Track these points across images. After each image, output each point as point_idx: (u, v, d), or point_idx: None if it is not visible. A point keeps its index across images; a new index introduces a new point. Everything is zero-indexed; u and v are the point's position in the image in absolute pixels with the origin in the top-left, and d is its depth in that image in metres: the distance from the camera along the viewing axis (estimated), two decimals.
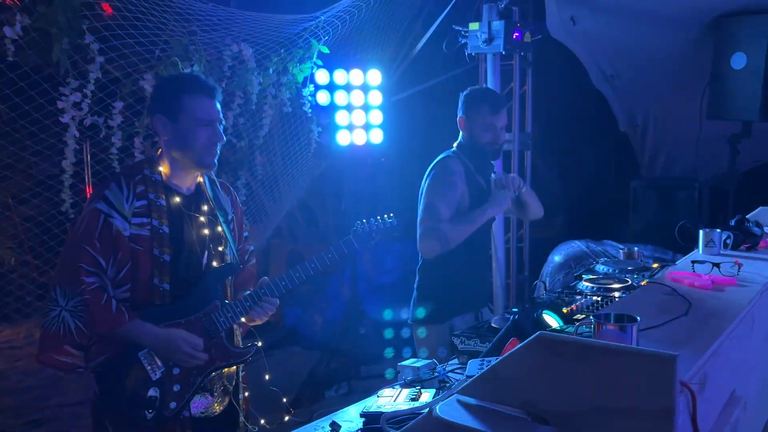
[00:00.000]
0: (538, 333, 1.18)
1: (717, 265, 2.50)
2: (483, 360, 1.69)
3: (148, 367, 2.08)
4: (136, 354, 2.07)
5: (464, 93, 2.98)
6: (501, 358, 1.26)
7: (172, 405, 2.09)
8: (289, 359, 5.58)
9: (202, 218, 2.20)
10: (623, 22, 4.57)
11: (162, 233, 2.08)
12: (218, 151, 2.14)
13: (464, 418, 1.22)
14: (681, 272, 2.51)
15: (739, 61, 4.30)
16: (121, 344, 2.06)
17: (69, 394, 4.73)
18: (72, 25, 2.67)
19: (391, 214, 2.43)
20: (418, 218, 2.85)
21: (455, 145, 3.03)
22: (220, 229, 2.24)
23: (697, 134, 4.69)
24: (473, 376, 1.36)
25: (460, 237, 2.76)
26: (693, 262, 2.58)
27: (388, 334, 5.40)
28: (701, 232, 2.98)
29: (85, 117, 2.98)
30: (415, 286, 3.03)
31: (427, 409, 1.33)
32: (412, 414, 1.46)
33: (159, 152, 2.16)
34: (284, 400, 3.98)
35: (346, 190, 5.07)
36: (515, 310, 2.07)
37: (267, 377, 2.57)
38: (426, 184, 2.88)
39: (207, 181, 2.26)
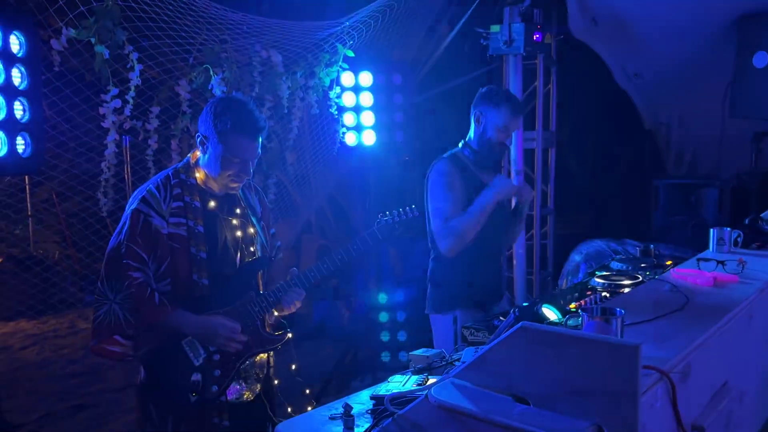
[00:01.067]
0: (521, 323, 1.32)
1: (722, 262, 2.58)
2: (477, 348, 1.84)
3: (191, 354, 2.26)
4: (179, 342, 2.25)
5: (485, 90, 3.01)
6: (489, 345, 1.40)
7: (214, 388, 2.28)
8: (317, 351, 5.78)
9: (234, 220, 2.38)
10: (645, 22, 4.61)
11: (198, 233, 2.27)
12: (241, 183, 2.31)
13: (455, 399, 1.36)
14: (686, 269, 2.60)
15: (761, 59, 4.32)
16: (165, 333, 2.25)
17: (110, 381, 5.01)
18: (112, 36, 2.87)
19: (413, 206, 2.56)
20: (431, 226, 2.94)
21: (461, 143, 3.09)
22: (251, 230, 2.43)
23: (720, 133, 4.72)
24: (467, 361, 1.50)
25: (473, 226, 2.83)
26: (699, 260, 2.67)
27: (411, 326, 5.54)
28: (712, 230, 3.06)
29: (125, 121, 3.19)
30: (428, 277, 3.16)
31: (425, 392, 1.49)
32: (413, 396, 1.61)
33: (195, 157, 2.34)
34: (307, 391, 4.19)
35: (372, 188, 5.23)
36: (525, 304, 2.19)
37: (293, 367, 2.74)
38: (427, 194, 2.98)
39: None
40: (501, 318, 2.45)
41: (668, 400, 1.54)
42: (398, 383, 1.93)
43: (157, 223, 2.22)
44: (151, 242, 2.21)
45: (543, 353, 1.30)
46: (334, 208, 7.99)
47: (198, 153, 2.34)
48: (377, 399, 1.82)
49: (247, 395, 2.42)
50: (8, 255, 7.43)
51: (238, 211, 2.40)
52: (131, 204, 2.25)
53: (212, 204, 2.33)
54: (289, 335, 2.48)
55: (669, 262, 3.39)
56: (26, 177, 7.46)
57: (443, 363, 2.09)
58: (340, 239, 7.94)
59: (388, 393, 1.80)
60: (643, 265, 3.38)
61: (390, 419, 1.55)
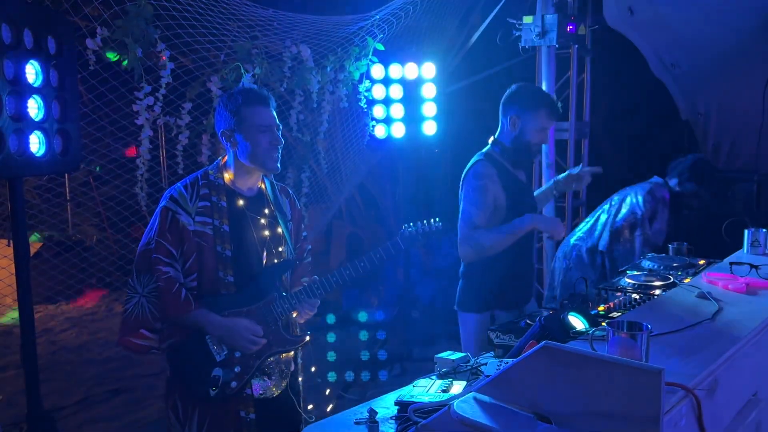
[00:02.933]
0: (543, 343, 1.32)
1: (756, 267, 2.52)
2: (501, 361, 1.84)
3: (214, 349, 2.33)
4: (203, 337, 2.32)
5: (517, 90, 2.94)
6: (512, 363, 1.41)
7: (233, 384, 2.34)
8: (346, 340, 5.85)
9: (263, 220, 2.43)
10: (682, 11, 4.49)
11: (223, 231, 2.32)
12: (279, 156, 2.35)
13: (477, 415, 1.38)
14: (718, 273, 2.55)
15: None
16: (189, 328, 2.32)
17: (144, 366, 5.13)
18: (145, 35, 2.92)
19: (437, 219, 2.57)
20: (458, 227, 2.93)
21: (491, 141, 3.03)
22: (279, 230, 2.47)
23: (759, 125, 4.59)
24: (491, 376, 1.52)
25: (499, 245, 2.82)
26: (731, 263, 2.61)
27: (440, 318, 5.56)
28: (746, 231, 2.99)
29: (158, 117, 3.25)
30: (461, 272, 3.13)
31: (448, 404, 1.50)
32: (436, 407, 1.63)
33: (224, 160, 2.39)
34: (327, 392, 4.25)
35: (401, 177, 5.23)
36: (546, 313, 2.17)
37: (313, 369, 2.79)
38: (462, 191, 2.96)
39: (268, 186, 2.49)
40: (528, 321, 2.45)
41: (694, 417, 1.53)
42: (423, 388, 1.95)
43: (184, 219, 2.29)
44: (179, 238, 2.29)
45: (565, 373, 1.31)
46: (364, 195, 8.02)
47: (226, 157, 2.39)
48: (401, 405, 1.84)
49: (274, 391, 2.48)
50: (48, 238, 7.64)
51: (266, 211, 2.44)
52: (161, 202, 2.33)
53: (240, 203, 2.38)
54: (308, 338, 2.53)
55: (702, 262, 3.33)
56: None
57: (468, 368, 2.10)
58: (370, 226, 7.99)
59: (412, 400, 1.82)
60: (675, 264, 3.33)
61: (413, 429, 1.58)
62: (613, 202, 4.08)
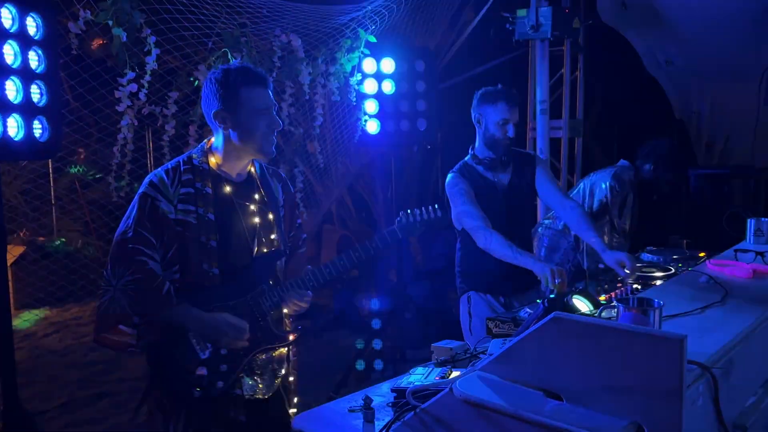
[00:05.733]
0: (554, 314, 1.23)
1: (761, 254, 2.46)
2: (505, 340, 1.75)
3: (197, 347, 2.17)
4: (185, 334, 2.16)
5: (480, 93, 3.04)
6: (518, 337, 1.31)
7: (219, 384, 2.17)
8: (336, 341, 5.73)
9: (252, 206, 2.27)
10: (677, 6, 4.46)
11: (208, 221, 2.17)
12: (275, 139, 2.23)
13: (482, 393, 1.28)
14: (722, 261, 2.49)
15: None
16: (170, 324, 2.15)
17: (130, 369, 4.99)
18: (129, 19, 2.82)
19: (436, 206, 2.47)
20: (466, 225, 2.95)
21: (471, 149, 3.13)
22: (271, 216, 2.32)
23: (755, 120, 4.56)
24: (494, 353, 1.42)
25: (498, 255, 2.82)
26: (736, 251, 2.56)
27: (433, 319, 5.46)
28: (749, 221, 2.93)
29: (143, 106, 3.14)
30: (456, 262, 3.18)
31: (450, 385, 1.40)
32: (436, 389, 1.53)
33: (210, 143, 2.26)
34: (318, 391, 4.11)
35: (394, 177, 5.14)
36: (552, 296, 2.10)
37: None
38: (449, 199, 3.03)
39: (258, 169, 2.34)
40: (528, 310, 2.36)
41: (710, 397, 1.44)
42: (420, 375, 1.85)
43: (164, 207, 2.13)
44: (158, 227, 2.13)
45: (577, 346, 1.21)
46: (354, 198, 7.93)
47: (213, 140, 2.26)
48: (398, 392, 1.74)
49: (264, 390, 2.31)
50: (31, 243, 7.48)
51: (256, 196, 2.30)
52: (140, 188, 2.18)
53: (227, 189, 2.23)
54: (297, 334, 2.39)
55: (702, 254, 3.27)
56: (50, 165, 7.53)
57: (467, 356, 2.00)
58: (361, 230, 7.89)
59: (409, 385, 1.72)
60: (675, 257, 3.27)
61: (411, 413, 1.48)
62: (579, 189, 3.99)
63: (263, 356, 2.29)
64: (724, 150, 5.43)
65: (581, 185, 3.99)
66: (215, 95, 2.15)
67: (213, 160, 2.23)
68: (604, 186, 3.82)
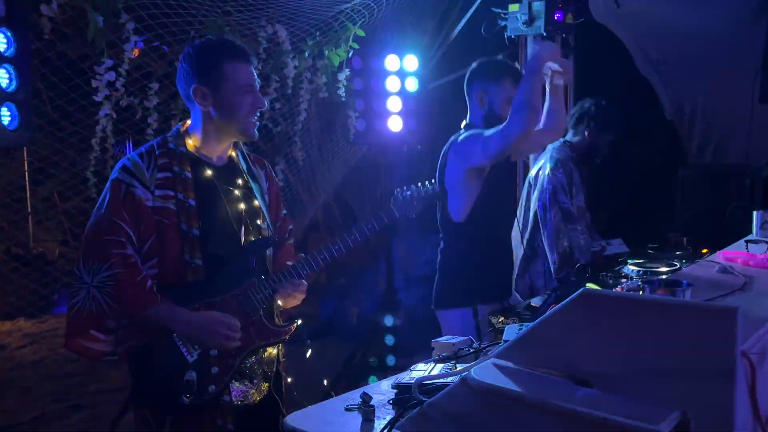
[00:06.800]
0: (582, 289, 1.09)
1: None
2: (521, 325, 1.60)
3: (184, 349, 1.99)
4: (170, 335, 1.98)
5: (480, 66, 2.83)
6: (541, 319, 1.17)
7: (211, 388, 2.00)
8: (324, 350, 5.55)
9: (236, 191, 2.12)
10: (670, 3, 4.39)
11: (188, 207, 2.00)
12: (257, 120, 2.08)
13: (500, 381, 1.13)
14: (734, 252, 2.38)
15: None
16: (151, 326, 1.98)
17: (109, 381, 4.78)
18: (108, 3, 2.67)
19: (433, 180, 2.33)
20: (493, 146, 2.62)
21: (463, 126, 2.90)
22: (256, 203, 2.16)
23: (750, 119, 4.48)
24: (510, 340, 1.27)
25: (532, 91, 2.51)
26: (747, 241, 2.47)
27: (423, 326, 5.31)
28: (756, 213, 2.84)
29: (121, 98, 2.98)
30: (437, 266, 2.94)
31: (463, 374, 1.25)
32: (445, 382, 1.38)
33: (185, 126, 2.11)
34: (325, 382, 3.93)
35: (382, 178, 5.00)
36: (558, 289, 1.97)
37: (290, 380, 2.48)
38: (455, 164, 2.78)
39: (240, 155, 2.20)
40: (533, 304, 2.22)
41: (746, 384, 1.30)
42: (422, 372, 1.70)
43: (140, 194, 1.95)
44: (135, 216, 1.95)
45: (610, 325, 1.07)
46: (341, 204, 7.77)
47: (189, 122, 2.11)
48: (401, 387, 1.58)
49: (254, 396, 2.14)
50: (8, 253, 7.24)
51: (239, 181, 2.14)
52: (112, 174, 2.00)
53: (208, 173, 2.06)
54: (295, 326, 2.21)
55: (705, 251, 3.17)
56: (26, 175, 7.31)
57: (471, 351, 1.85)
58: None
59: (412, 380, 1.57)
60: (677, 253, 3.17)
61: (417, 408, 1.32)
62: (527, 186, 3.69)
63: (252, 358, 2.11)
64: (715, 152, 5.36)
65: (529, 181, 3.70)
66: (195, 70, 1.99)
67: (191, 143, 2.07)
68: (544, 174, 3.48)
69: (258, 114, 2.07)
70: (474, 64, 2.84)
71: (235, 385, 2.09)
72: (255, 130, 2.08)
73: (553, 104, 2.81)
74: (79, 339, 1.96)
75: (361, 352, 5.18)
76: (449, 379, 1.38)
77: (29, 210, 7.65)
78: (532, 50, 4.41)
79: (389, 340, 5.08)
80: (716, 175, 4.56)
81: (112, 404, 4.40)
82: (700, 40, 4.54)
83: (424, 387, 1.37)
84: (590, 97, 3.82)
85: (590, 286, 1.78)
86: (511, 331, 1.55)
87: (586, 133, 3.61)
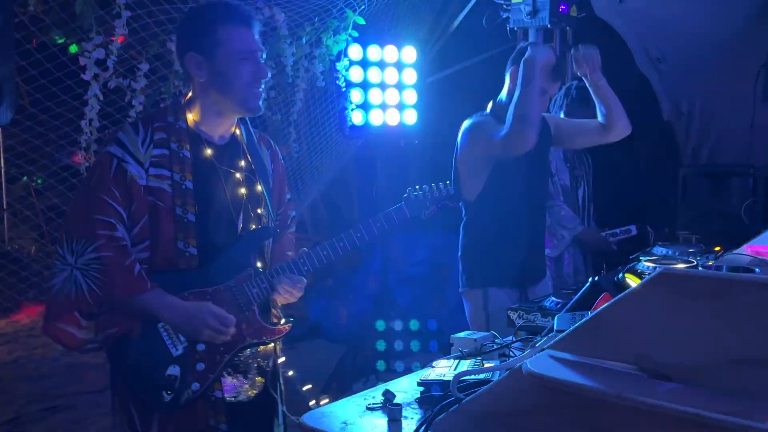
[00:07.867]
0: (661, 268, 0.94)
1: None
2: (575, 314, 1.46)
3: (168, 341, 1.83)
4: (155, 325, 1.82)
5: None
6: (607, 304, 1.03)
7: (194, 386, 1.84)
8: (314, 352, 5.38)
9: (237, 174, 1.95)
10: (674, 1, 4.33)
11: (185, 189, 1.84)
12: (262, 92, 1.91)
13: (565, 374, 0.99)
14: (760, 246, 2.28)
15: None
16: (136, 315, 1.82)
17: (88, 382, 4.57)
18: None
19: (448, 182, 2.19)
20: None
21: (490, 107, 2.87)
22: (259, 188, 2.00)
23: (751, 118, 4.43)
24: (564, 330, 1.13)
25: (529, 101, 2.55)
26: None
27: (416, 326, 5.19)
28: None
29: (110, 79, 2.80)
30: (459, 244, 2.92)
31: (507, 370, 1.11)
32: (486, 378, 1.23)
33: (187, 98, 1.94)
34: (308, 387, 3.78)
35: (378, 174, 4.85)
36: (596, 278, 1.83)
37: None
38: (468, 146, 2.75)
39: (244, 132, 2.03)
40: (555, 299, 2.08)
41: None
42: (446, 368, 1.55)
43: (133, 171, 1.78)
44: (127, 194, 1.79)
45: (696, 309, 0.93)
46: (329, 205, 7.60)
47: (190, 94, 1.94)
48: (427, 385, 1.43)
49: (249, 392, 1.98)
50: None
51: (241, 163, 1.97)
52: (104, 146, 1.83)
53: (208, 152, 1.89)
54: (289, 325, 2.04)
55: (718, 248, 3.07)
56: (1, 171, 7.05)
57: (497, 347, 1.71)
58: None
59: (440, 378, 1.42)
60: (691, 250, 3.06)
61: (455, 405, 1.17)
62: None
63: (247, 351, 1.95)
64: (711, 154, 5.30)
65: None
66: (189, 35, 1.83)
67: (191, 118, 1.90)
68: None
69: (262, 84, 1.90)
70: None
71: (228, 380, 1.94)
72: (259, 102, 1.90)
73: (601, 107, 2.78)
74: (57, 322, 1.80)
75: (353, 354, 5.04)
76: (490, 375, 1.22)
77: (4, 207, 7.39)
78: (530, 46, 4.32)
79: (380, 345, 4.94)
80: (718, 175, 4.50)
81: (91, 406, 4.21)
82: (703, 38, 4.48)
83: (462, 383, 1.22)
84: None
85: (629, 276, 1.66)
86: (564, 321, 1.41)
87: (572, 111, 3.64)
